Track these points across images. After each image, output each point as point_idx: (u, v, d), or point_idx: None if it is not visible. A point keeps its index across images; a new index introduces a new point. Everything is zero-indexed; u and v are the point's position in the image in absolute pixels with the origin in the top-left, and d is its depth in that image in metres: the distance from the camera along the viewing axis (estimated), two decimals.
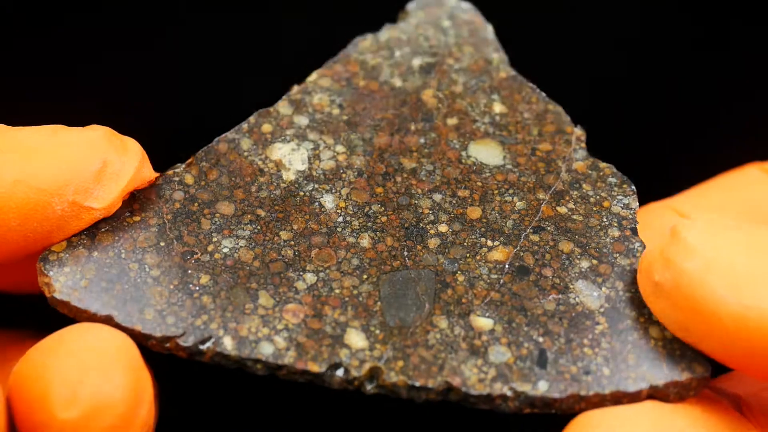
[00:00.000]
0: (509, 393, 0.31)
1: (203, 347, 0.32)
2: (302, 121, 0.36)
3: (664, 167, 0.40)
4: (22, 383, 0.30)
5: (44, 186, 0.32)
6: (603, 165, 0.36)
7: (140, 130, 0.35)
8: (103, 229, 0.34)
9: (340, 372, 0.32)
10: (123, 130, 0.34)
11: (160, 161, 0.36)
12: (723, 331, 0.30)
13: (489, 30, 0.39)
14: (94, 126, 0.33)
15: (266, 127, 0.36)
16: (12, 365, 0.33)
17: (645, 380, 0.31)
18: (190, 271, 0.33)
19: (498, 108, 0.37)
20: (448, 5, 0.39)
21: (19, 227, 0.32)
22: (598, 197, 0.35)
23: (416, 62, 0.38)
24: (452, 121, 0.37)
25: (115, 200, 0.33)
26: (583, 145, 0.36)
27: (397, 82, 0.37)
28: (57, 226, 0.32)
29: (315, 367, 0.31)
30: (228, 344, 0.32)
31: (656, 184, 0.36)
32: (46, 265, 0.33)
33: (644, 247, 0.34)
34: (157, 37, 0.45)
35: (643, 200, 0.37)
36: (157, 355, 0.33)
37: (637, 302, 0.33)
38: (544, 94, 0.37)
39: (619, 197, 0.35)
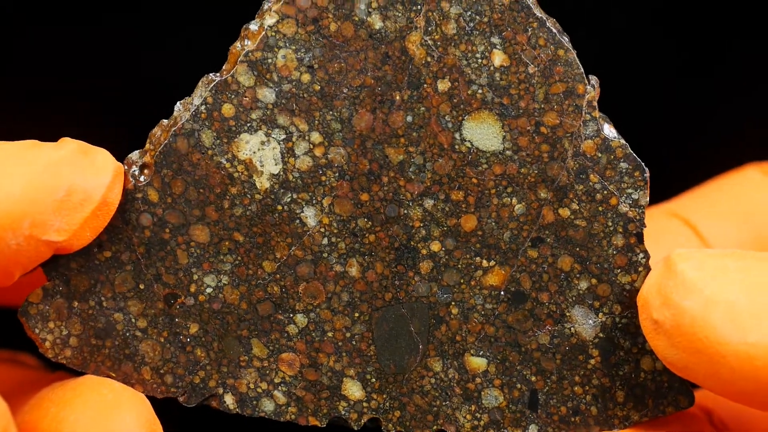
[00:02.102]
0: None
1: (207, 403, 0.34)
2: (268, 96, 0.32)
3: (661, 168, 0.36)
4: None
5: None
6: (615, 144, 0.32)
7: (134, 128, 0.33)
8: (75, 270, 0.33)
9: (340, 425, 0.34)
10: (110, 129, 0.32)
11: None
12: (728, 370, 0.31)
13: None
14: (65, 142, 0.31)
15: (227, 110, 0.32)
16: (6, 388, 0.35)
17: (629, 419, 0.33)
18: (177, 320, 0.33)
19: (498, 59, 0.32)
20: None
21: None
22: (605, 192, 0.32)
23: None
24: (444, 86, 0.32)
25: (79, 231, 0.31)
26: (595, 112, 0.32)
27: (376, 22, 0.32)
28: (13, 261, 0.31)
29: (316, 422, 0.34)
30: (229, 402, 0.33)
31: (653, 185, 0.33)
32: (30, 321, 0.33)
33: (647, 258, 0.33)
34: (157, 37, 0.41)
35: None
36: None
37: (633, 329, 0.33)
38: (554, 31, 0.32)
39: (629, 191, 0.32)
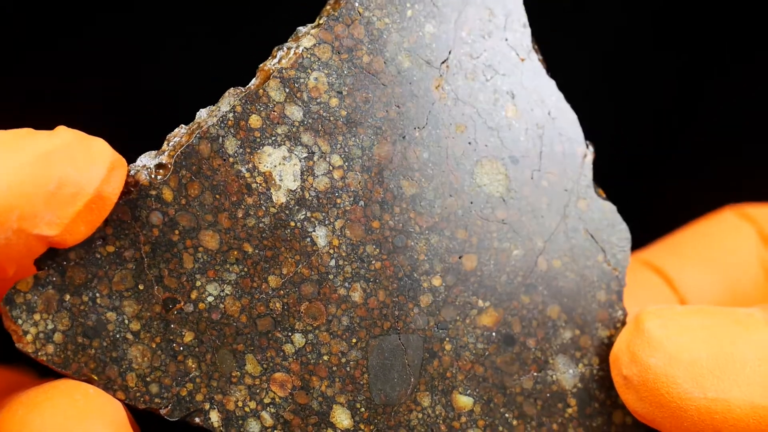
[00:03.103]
0: None
1: (190, 419, 0.32)
2: (296, 113, 0.33)
3: (636, 211, 0.39)
4: None
5: None
6: (605, 205, 0.34)
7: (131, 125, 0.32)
8: (73, 262, 0.31)
9: None
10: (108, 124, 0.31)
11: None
12: (690, 423, 0.32)
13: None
14: (60, 130, 0.29)
15: (254, 121, 0.32)
16: None
17: None
18: (173, 326, 0.32)
19: (510, 111, 0.34)
20: None
21: None
22: (593, 249, 0.34)
23: (429, 29, 0.33)
24: (460, 129, 0.34)
25: (71, 225, 0.30)
26: (590, 171, 0.34)
27: (405, 63, 0.33)
28: (4, 255, 0.29)
29: None
30: (214, 419, 0.32)
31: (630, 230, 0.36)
32: (13, 310, 0.31)
33: (625, 314, 0.34)
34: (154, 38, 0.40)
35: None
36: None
37: (608, 383, 0.34)
38: (560, 95, 0.34)
39: (613, 251, 0.34)
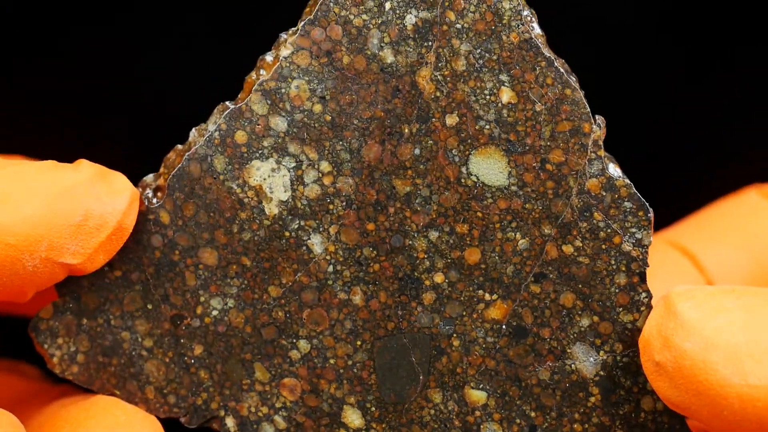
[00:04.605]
0: None
1: (208, 425, 0.34)
2: (280, 124, 0.33)
3: (659, 192, 0.36)
4: None
5: (13, 242, 0.31)
6: (619, 183, 0.32)
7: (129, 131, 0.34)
8: (85, 288, 0.33)
9: None
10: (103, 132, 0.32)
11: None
12: (731, 412, 0.31)
13: None
14: (83, 165, 0.31)
15: (240, 137, 0.33)
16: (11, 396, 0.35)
17: None
18: (182, 340, 0.33)
19: (506, 96, 0.32)
20: None
21: None
22: (609, 231, 0.32)
23: (410, 19, 0.32)
24: (452, 120, 0.32)
25: (93, 254, 0.32)
26: (601, 151, 0.32)
27: (388, 57, 0.32)
28: (29, 281, 0.32)
29: None
30: (230, 425, 0.34)
31: (655, 206, 0.34)
32: (39, 336, 0.33)
33: (650, 297, 0.33)
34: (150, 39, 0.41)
35: None
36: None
37: (634, 368, 0.33)
38: (562, 71, 0.32)
39: (632, 230, 0.32)
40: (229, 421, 0.33)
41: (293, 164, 0.32)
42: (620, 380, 0.32)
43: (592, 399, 0.32)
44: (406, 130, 0.32)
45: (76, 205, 0.30)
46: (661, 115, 0.44)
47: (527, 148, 0.32)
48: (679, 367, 0.30)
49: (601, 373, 0.32)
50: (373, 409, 0.33)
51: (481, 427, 0.33)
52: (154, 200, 0.33)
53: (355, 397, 0.33)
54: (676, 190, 0.42)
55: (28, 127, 0.31)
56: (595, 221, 0.32)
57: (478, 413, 0.33)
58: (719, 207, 0.36)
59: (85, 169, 0.31)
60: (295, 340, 0.33)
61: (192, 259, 0.33)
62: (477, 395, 0.33)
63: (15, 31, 0.43)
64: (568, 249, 0.32)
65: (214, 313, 0.33)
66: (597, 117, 0.32)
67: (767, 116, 0.43)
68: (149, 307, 0.33)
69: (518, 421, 0.33)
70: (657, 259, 0.34)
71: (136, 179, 0.33)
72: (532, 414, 0.33)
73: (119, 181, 0.31)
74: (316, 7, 0.32)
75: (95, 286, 0.33)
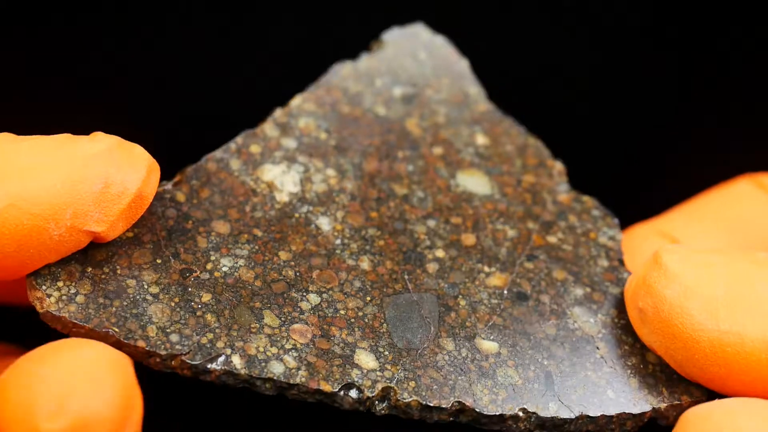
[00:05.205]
0: (521, 414, 0.32)
1: (211, 366, 0.31)
2: (290, 143, 0.36)
3: (647, 183, 0.41)
4: (8, 391, 0.29)
5: (39, 211, 0.30)
6: (585, 198, 0.36)
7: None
8: (93, 244, 0.32)
9: (353, 392, 0.31)
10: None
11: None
12: (702, 356, 0.31)
13: (464, 65, 0.39)
14: (100, 136, 0.31)
15: (254, 148, 0.36)
16: None
17: (647, 403, 0.32)
18: (190, 289, 0.32)
19: (481, 140, 0.37)
20: (423, 38, 0.40)
21: (15, 253, 0.30)
22: (584, 228, 0.36)
23: (397, 91, 0.38)
24: (438, 151, 0.37)
25: (116, 222, 0.31)
26: (565, 178, 0.37)
27: (381, 111, 0.38)
28: (54, 249, 0.31)
29: (327, 387, 0.31)
30: (237, 363, 0.31)
31: (644, 198, 0.36)
32: (38, 279, 0.31)
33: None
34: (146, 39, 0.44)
35: (634, 219, 0.37)
36: (148, 377, 0.32)
37: (632, 329, 0.33)
38: (523, 128, 0.38)
39: (604, 229, 0.36)
40: (236, 359, 0.32)
41: (302, 169, 0.36)
42: (622, 337, 0.34)
43: (600, 351, 0.34)
44: (400, 154, 0.38)
45: (96, 173, 0.31)
46: (662, 115, 0.44)
47: (503, 172, 0.38)
48: (658, 311, 0.31)
49: (603, 331, 0.34)
50: (387, 353, 0.33)
51: (497, 371, 0.33)
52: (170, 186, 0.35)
53: (367, 342, 0.33)
54: (672, 176, 0.42)
55: (28, 127, 0.33)
56: (570, 222, 0.37)
57: (492, 360, 0.33)
58: (710, 195, 0.36)
59: (102, 139, 0.31)
60: (305, 294, 0.33)
61: (204, 228, 0.34)
62: (488, 345, 0.33)
63: (15, 31, 0.43)
64: (551, 239, 0.36)
65: (224, 269, 0.33)
66: (557, 159, 0.38)
67: (766, 115, 0.44)
68: (158, 261, 0.33)
69: (533, 368, 0.33)
70: (645, 248, 0.35)
71: None
72: (545, 362, 0.33)
73: (137, 150, 0.32)
74: (322, 79, 0.39)
75: (105, 244, 0.33)
